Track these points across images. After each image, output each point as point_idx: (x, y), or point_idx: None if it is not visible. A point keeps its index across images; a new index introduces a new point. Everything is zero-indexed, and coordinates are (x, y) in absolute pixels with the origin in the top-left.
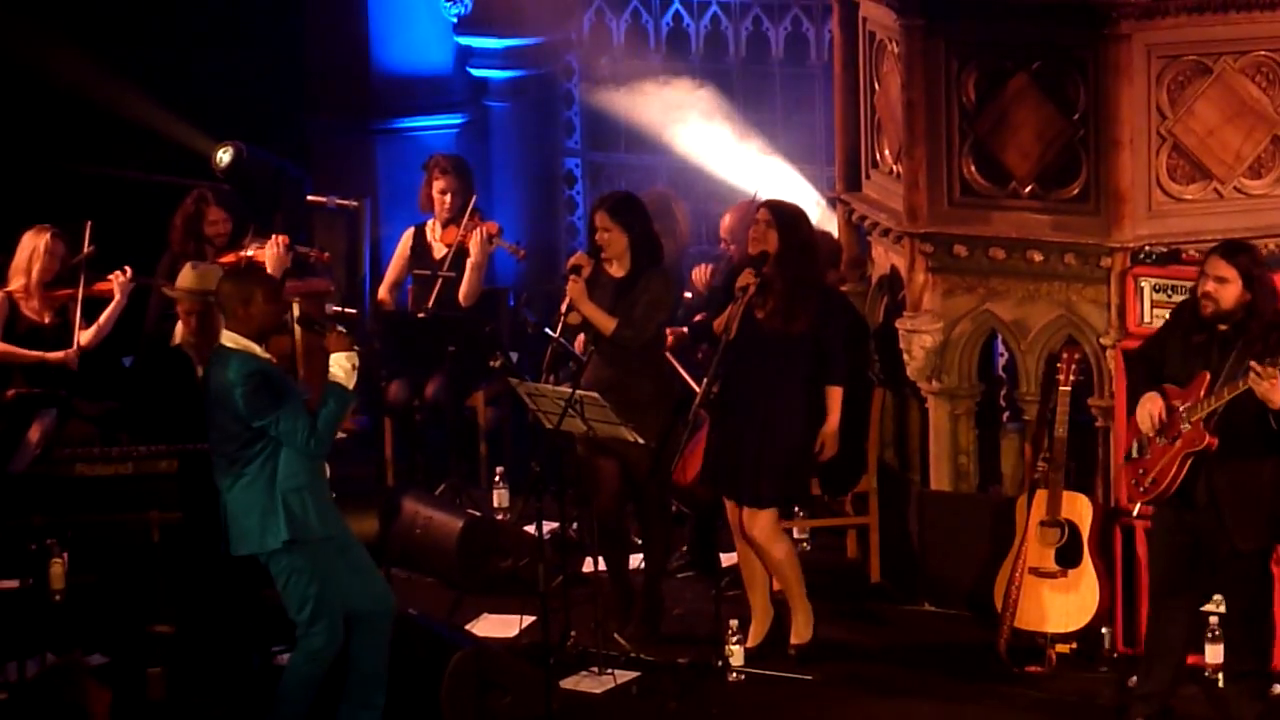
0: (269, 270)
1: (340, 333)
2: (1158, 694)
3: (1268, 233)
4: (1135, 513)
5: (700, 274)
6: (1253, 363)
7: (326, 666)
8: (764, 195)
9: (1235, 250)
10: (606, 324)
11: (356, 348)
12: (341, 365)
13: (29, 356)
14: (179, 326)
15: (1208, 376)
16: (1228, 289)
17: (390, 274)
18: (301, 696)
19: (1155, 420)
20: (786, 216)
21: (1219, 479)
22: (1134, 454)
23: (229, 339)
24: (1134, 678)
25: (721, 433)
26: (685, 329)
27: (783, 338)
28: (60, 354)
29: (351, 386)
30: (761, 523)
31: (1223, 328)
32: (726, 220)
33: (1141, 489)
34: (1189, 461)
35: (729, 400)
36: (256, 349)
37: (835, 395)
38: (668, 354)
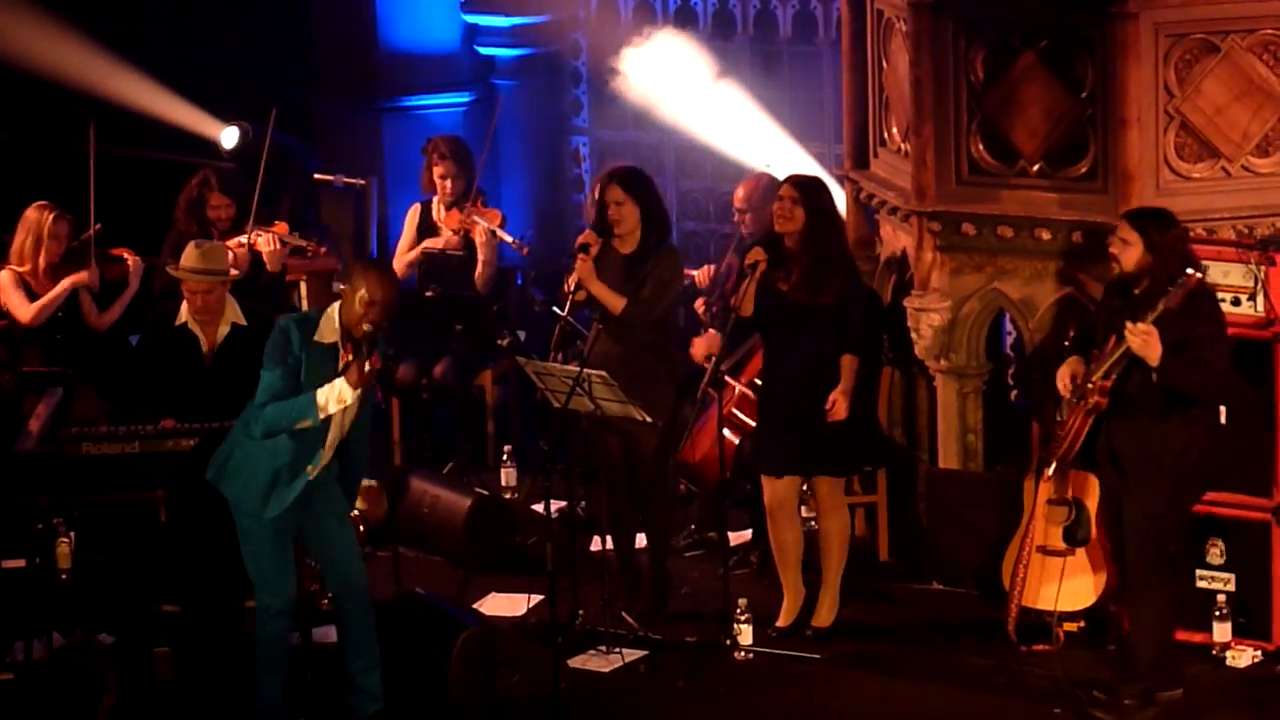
0: (267, 263)
1: (365, 370)
2: (1144, 673)
3: (1275, 211)
4: (1049, 474)
5: (703, 275)
6: (1127, 322)
7: (280, 624)
8: (774, 169)
9: (1144, 215)
10: (615, 303)
11: (357, 391)
12: (336, 389)
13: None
14: (184, 305)
15: (1114, 339)
16: (1129, 251)
17: (402, 248)
18: (263, 655)
19: (1067, 383)
20: (811, 191)
21: (1120, 441)
22: (1058, 417)
23: (331, 308)
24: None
25: (769, 411)
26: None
27: (811, 310)
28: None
29: (324, 411)
30: (829, 487)
31: (1136, 291)
32: (740, 192)
33: (1055, 448)
34: (1088, 422)
35: (771, 381)
36: (333, 325)
37: (849, 363)
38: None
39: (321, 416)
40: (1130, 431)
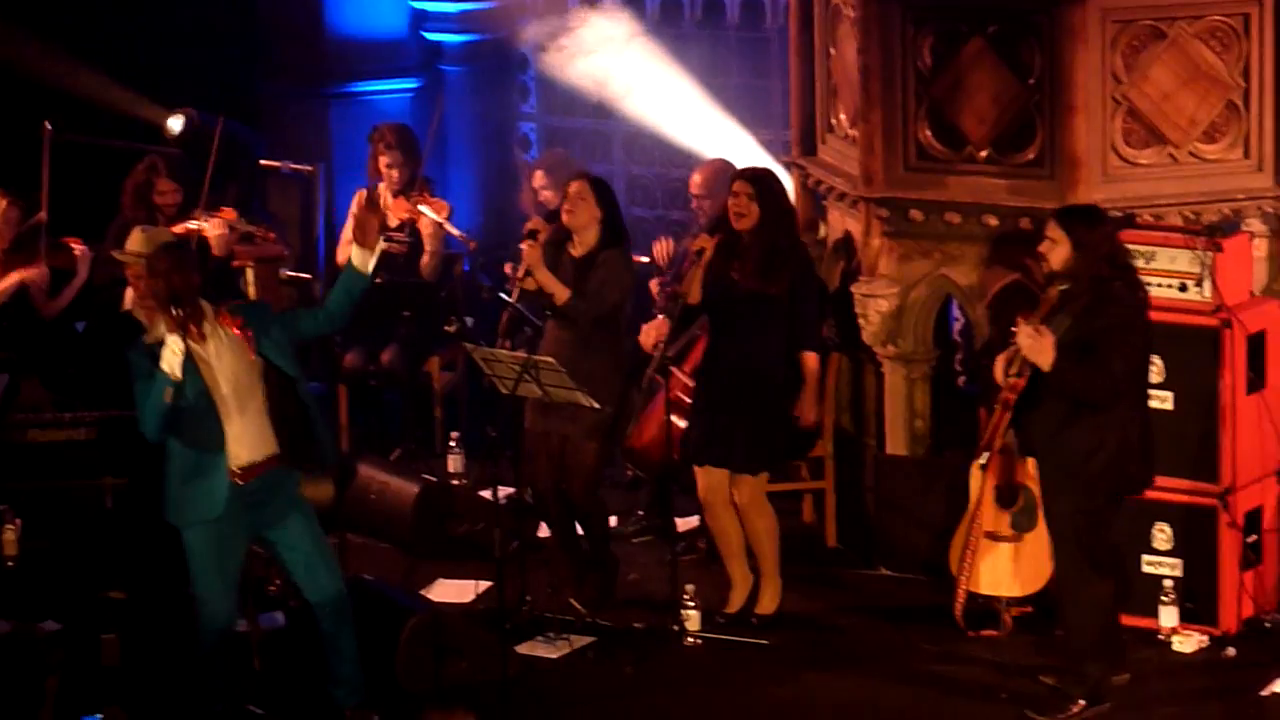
0: (214, 249)
1: (177, 315)
2: (1086, 672)
3: (1222, 197)
4: (979, 460)
5: (661, 249)
6: (1019, 320)
7: (214, 641)
8: (729, 157)
9: (1072, 214)
10: (560, 292)
11: (174, 334)
12: (164, 343)
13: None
14: (128, 292)
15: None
16: (1057, 251)
17: (346, 235)
18: (203, 654)
19: (1000, 373)
20: (765, 186)
21: (1035, 435)
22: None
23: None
24: None
25: (707, 400)
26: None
27: (762, 299)
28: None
29: (167, 367)
30: (750, 488)
31: (1064, 287)
32: (697, 178)
33: (981, 440)
34: (1006, 416)
35: (712, 368)
36: (148, 333)
37: (810, 360)
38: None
39: (166, 368)
40: (1041, 428)
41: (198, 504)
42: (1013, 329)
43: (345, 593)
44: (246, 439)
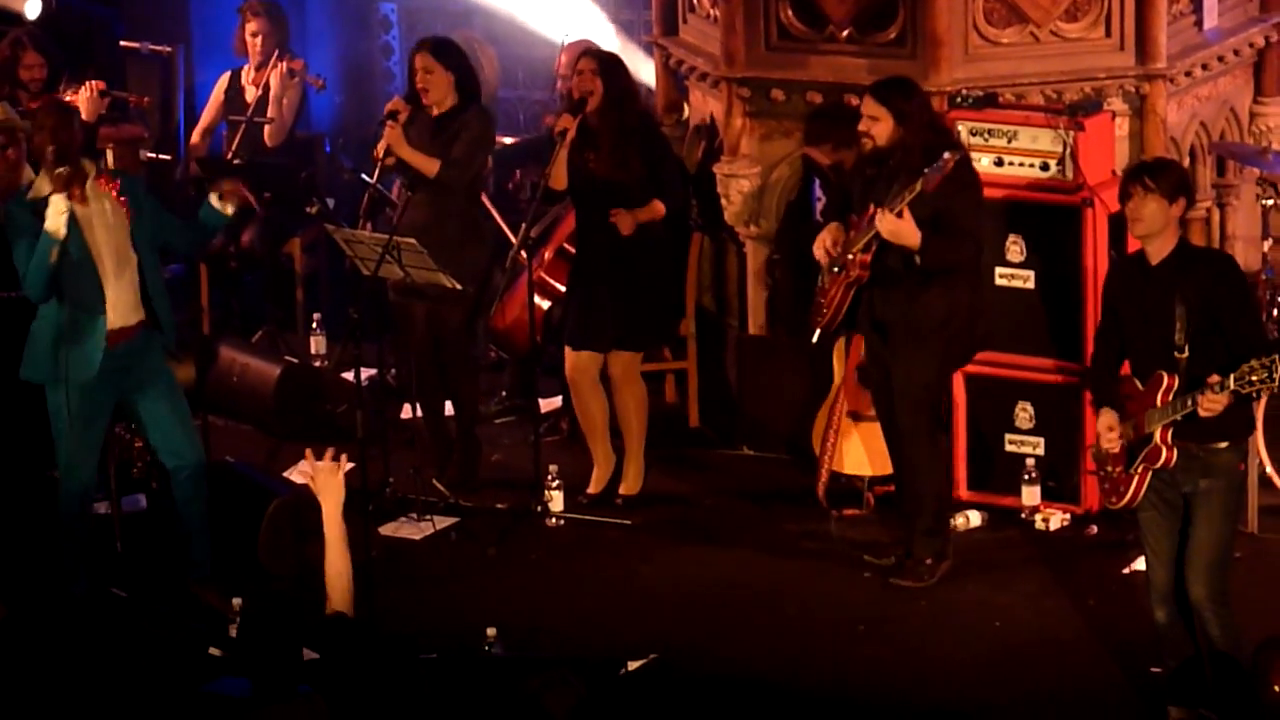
0: (84, 116)
1: (61, 174)
2: (934, 528)
3: (1083, 76)
4: (814, 340)
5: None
6: (878, 211)
7: (75, 508)
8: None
9: (887, 88)
10: (429, 166)
11: (61, 194)
12: (50, 204)
13: None
14: None
15: (874, 209)
16: (879, 126)
17: (204, 119)
18: (63, 528)
19: (825, 251)
20: (609, 66)
21: (886, 310)
22: (819, 284)
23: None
24: None
25: (579, 284)
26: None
27: (618, 186)
28: None
29: (52, 227)
30: (624, 363)
31: (891, 162)
32: (564, 58)
33: (819, 319)
34: (851, 292)
35: (582, 253)
36: (33, 187)
37: (656, 208)
38: (486, 201)
39: (51, 227)
40: (893, 301)
41: (73, 364)
42: (855, 215)
43: (203, 463)
44: (120, 304)
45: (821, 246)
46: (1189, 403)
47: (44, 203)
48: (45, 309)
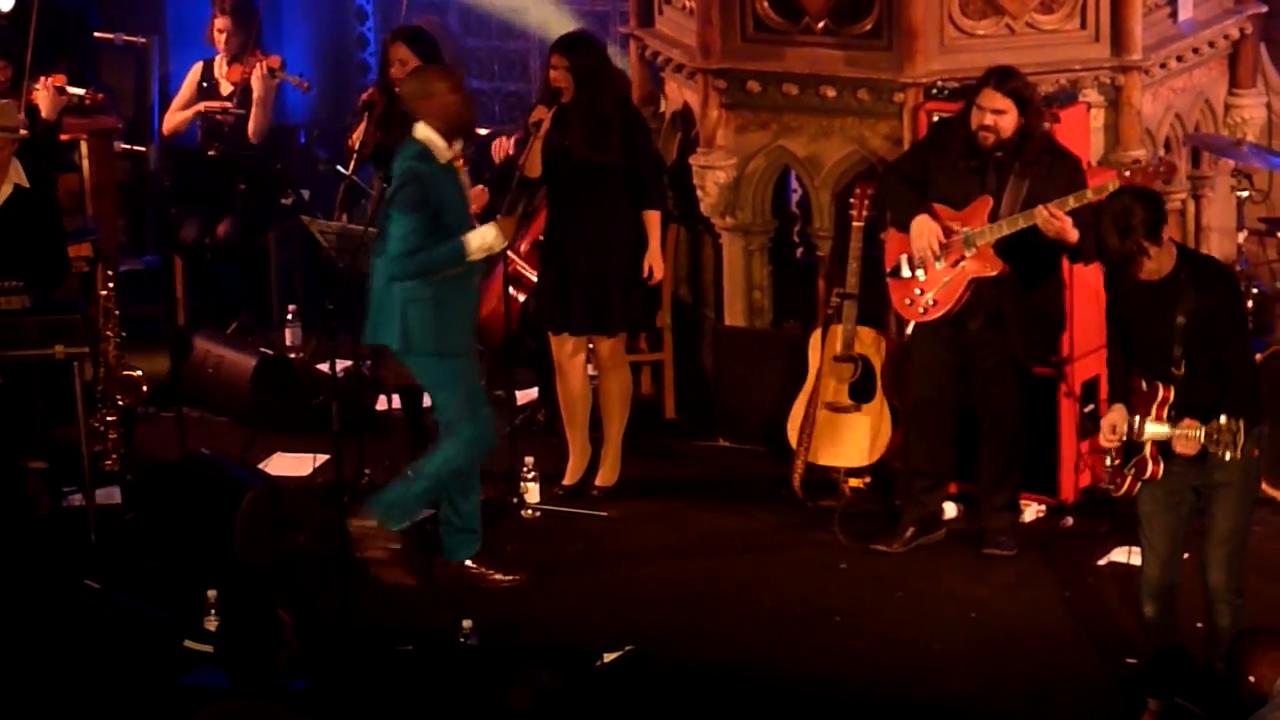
0: (44, 113)
1: (515, 218)
2: (922, 505)
3: (1058, 68)
4: (910, 330)
5: (500, 146)
6: (1043, 207)
7: (474, 457)
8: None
9: (1005, 78)
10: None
11: (506, 242)
12: (486, 238)
13: None
14: None
15: (990, 201)
16: (1006, 119)
17: (175, 106)
18: (436, 472)
19: (936, 244)
20: (578, 54)
21: (1006, 300)
22: (904, 272)
23: (419, 130)
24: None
25: (557, 269)
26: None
27: (596, 168)
28: None
29: (471, 257)
30: (612, 347)
31: (999, 153)
32: None
33: (920, 309)
34: (975, 284)
35: (555, 239)
36: (439, 142)
37: (653, 219)
38: None
39: (468, 261)
40: (1015, 291)
41: (448, 337)
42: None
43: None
44: None
45: (932, 240)
46: (1170, 433)
47: (449, 167)
48: (420, 286)
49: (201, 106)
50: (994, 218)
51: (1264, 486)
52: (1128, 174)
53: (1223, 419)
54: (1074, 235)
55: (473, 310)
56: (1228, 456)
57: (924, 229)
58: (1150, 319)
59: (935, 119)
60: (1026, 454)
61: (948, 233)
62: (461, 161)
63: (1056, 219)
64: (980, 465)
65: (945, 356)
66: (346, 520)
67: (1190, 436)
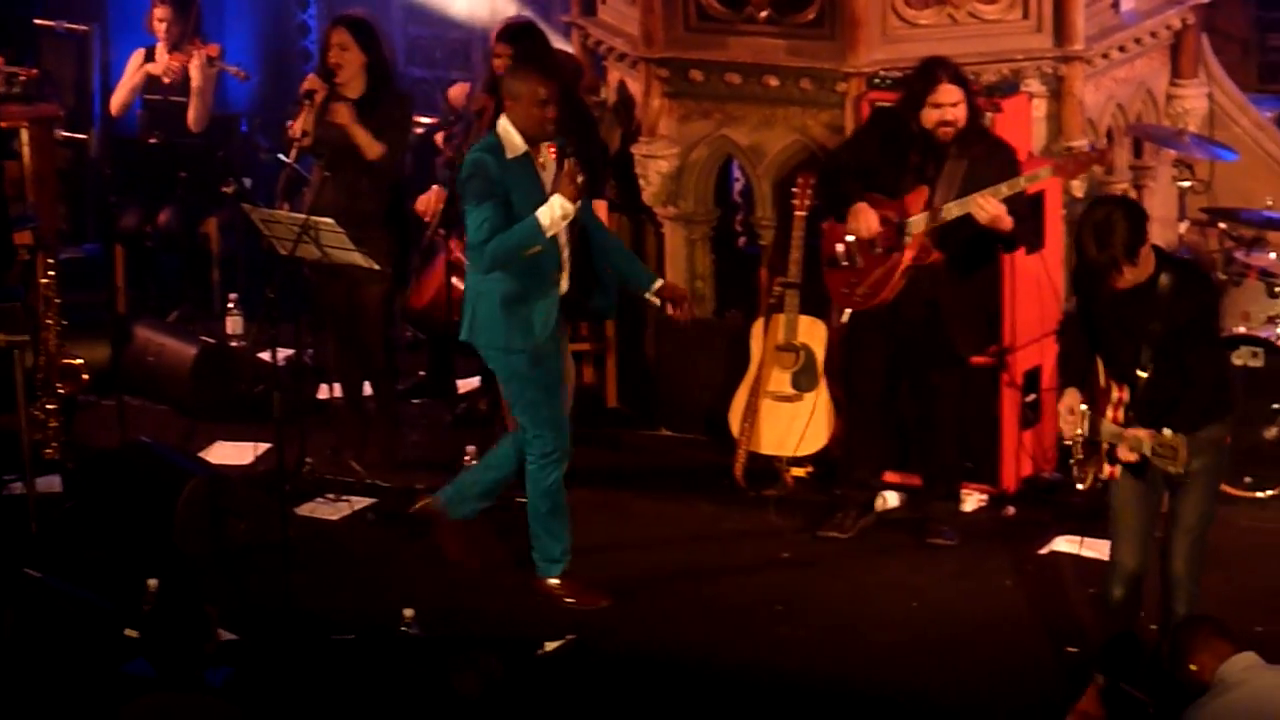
0: None
1: (574, 182)
2: (861, 492)
3: (1001, 58)
4: (845, 319)
5: (458, 91)
6: (978, 196)
7: (559, 470)
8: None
9: (952, 69)
10: (372, 149)
11: (578, 203)
12: (555, 207)
13: None
14: None
15: (926, 190)
16: (961, 108)
17: (119, 92)
18: (540, 501)
19: (872, 232)
20: (521, 46)
21: (941, 289)
22: (841, 262)
23: (500, 121)
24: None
25: None
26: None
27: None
28: None
29: (547, 231)
30: None
31: (951, 145)
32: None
33: (857, 298)
34: (911, 273)
35: None
36: (515, 139)
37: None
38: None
39: (547, 236)
40: (952, 280)
41: (531, 328)
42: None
43: None
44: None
45: (868, 228)
46: (1118, 435)
47: (523, 160)
48: (508, 276)
49: (143, 73)
50: (930, 206)
51: None
52: (1060, 161)
53: (1167, 432)
54: (1008, 223)
55: (547, 311)
56: (1171, 470)
57: (861, 218)
58: (1124, 323)
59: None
60: (968, 444)
61: (884, 222)
62: (553, 150)
63: (990, 208)
64: (919, 455)
65: (882, 345)
66: (415, 504)
67: (1133, 447)
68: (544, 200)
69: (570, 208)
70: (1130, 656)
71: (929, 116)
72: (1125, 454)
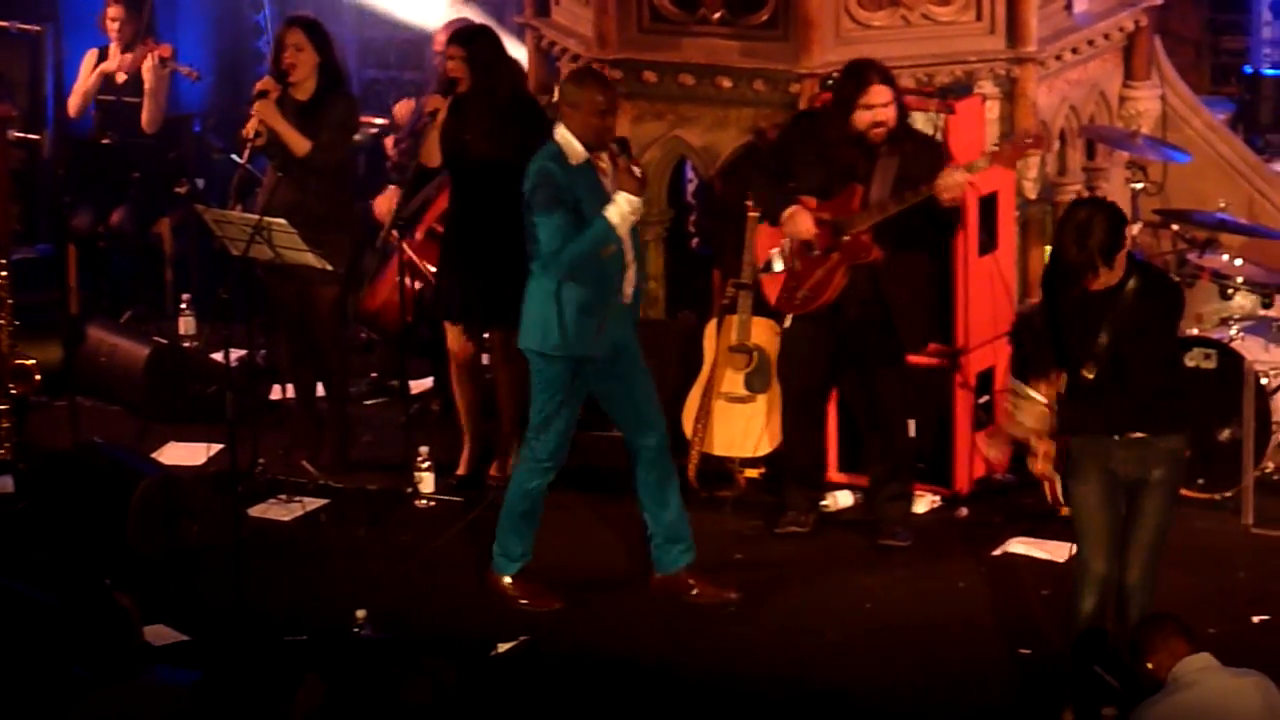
0: None
1: (634, 175)
2: (807, 499)
3: (954, 59)
4: (787, 324)
5: (403, 108)
6: (943, 176)
7: (545, 478)
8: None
9: (881, 70)
10: (300, 144)
11: (641, 196)
12: (621, 204)
13: None
14: None
15: (860, 190)
16: (891, 108)
17: (75, 95)
18: (518, 500)
19: (809, 234)
20: (475, 48)
21: (884, 287)
22: (776, 266)
23: (559, 130)
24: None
25: (455, 259)
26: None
27: (499, 163)
28: None
29: (618, 228)
30: (506, 338)
31: (881, 143)
32: (441, 35)
33: (796, 301)
34: (851, 273)
35: (459, 232)
36: (576, 146)
37: None
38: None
39: (620, 234)
40: (894, 276)
41: (585, 338)
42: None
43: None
44: (631, 251)
45: (806, 229)
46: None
47: (585, 167)
48: (580, 287)
49: (98, 74)
50: (865, 204)
51: None
52: (996, 148)
53: (1024, 388)
54: (964, 191)
55: (598, 323)
56: (1015, 432)
57: (798, 220)
58: (1087, 321)
59: (797, 112)
60: (920, 445)
61: (820, 223)
62: (613, 155)
63: (951, 182)
64: (870, 456)
65: (823, 345)
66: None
67: (1014, 389)
68: (607, 201)
69: (636, 201)
70: (1101, 648)
71: (861, 119)
72: (1005, 408)
